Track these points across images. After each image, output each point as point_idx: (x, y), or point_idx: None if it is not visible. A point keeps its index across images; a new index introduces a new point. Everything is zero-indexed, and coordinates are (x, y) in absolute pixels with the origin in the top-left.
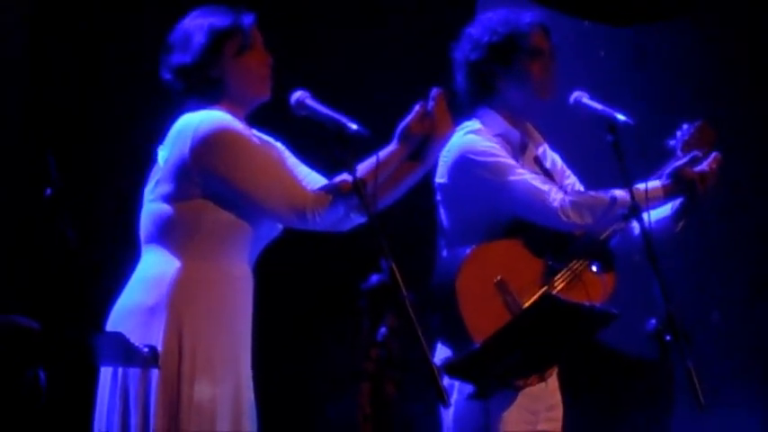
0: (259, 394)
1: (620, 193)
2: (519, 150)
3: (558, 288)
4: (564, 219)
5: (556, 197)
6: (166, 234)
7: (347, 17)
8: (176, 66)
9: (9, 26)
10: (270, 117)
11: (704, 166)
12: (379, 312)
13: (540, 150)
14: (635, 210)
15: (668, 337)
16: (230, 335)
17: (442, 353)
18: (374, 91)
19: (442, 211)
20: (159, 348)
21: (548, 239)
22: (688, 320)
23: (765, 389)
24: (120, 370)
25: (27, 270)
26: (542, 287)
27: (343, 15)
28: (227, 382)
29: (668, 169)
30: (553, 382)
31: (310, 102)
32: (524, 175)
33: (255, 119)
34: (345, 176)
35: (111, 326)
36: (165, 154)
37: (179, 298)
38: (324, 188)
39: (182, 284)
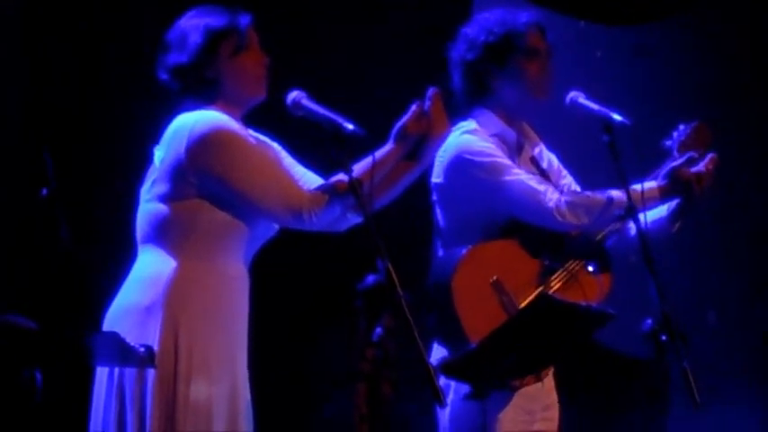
0: (255, 394)
1: (616, 193)
2: (515, 150)
3: (555, 288)
4: (559, 219)
5: (551, 197)
6: (162, 234)
7: (344, 16)
8: (172, 65)
9: (9, 26)
10: (266, 117)
11: (700, 166)
12: (375, 312)
13: (537, 150)
14: (631, 210)
15: (664, 338)
16: (226, 335)
17: (438, 353)
18: (370, 89)
19: (438, 211)
20: (155, 348)
21: (544, 240)
22: (684, 321)
23: (764, 388)
24: (117, 370)
25: (25, 270)
26: (538, 287)
27: (339, 14)
28: (224, 381)
29: (664, 170)
30: (549, 381)
31: (306, 102)
32: (520, 176)
33: (252, 119)
34: (341, 176)
35: (107, 325)
36: (161, 154)
37: (175, 298)
38: (320, 188)
39: (178, 284)
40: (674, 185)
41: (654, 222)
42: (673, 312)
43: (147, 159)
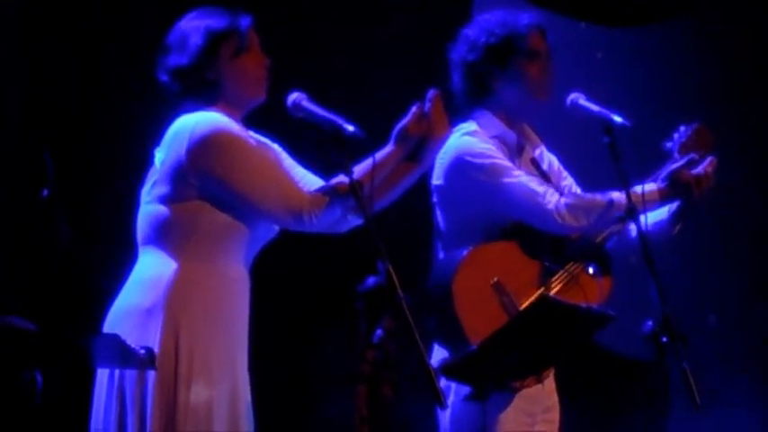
0: (256, 396)
1: (617, 195)
2: (515, 152)
3: (555, 290)
4: (559, 221)
5: (551, 199)
6: (163, 236)
7: (344, 17)
8: (173, 67)
9: (9, 26)
10: (266, 119)
11: (700, 169)
12: (375, 314)
13: (538, 152)
14: (631, 212)
15: (664, 339)
16: (227, 336)
17: (438, 354)
18: (371, 91)
19: (438, 212)
20: (156, 350)
21: (544, 241)
22: (684, 322)
23: (764, 388)
24: (117, 371)
25: (25, 271)
26: (539, 289)
27: (339, 15)
28: (224, 383)
29: (664, 172)
30: (550, 383)
31: (307, 103)
32: (520, 177)
33: (252, 120)
34: (342, 178)
35: (107, 327)
36: (162, 156)
37: (176, 300)
38: (320, 190)
39: (178, 286)
40: (674, 188)
41: (654, 225)
42: (673, 314)
43: (148, 161)
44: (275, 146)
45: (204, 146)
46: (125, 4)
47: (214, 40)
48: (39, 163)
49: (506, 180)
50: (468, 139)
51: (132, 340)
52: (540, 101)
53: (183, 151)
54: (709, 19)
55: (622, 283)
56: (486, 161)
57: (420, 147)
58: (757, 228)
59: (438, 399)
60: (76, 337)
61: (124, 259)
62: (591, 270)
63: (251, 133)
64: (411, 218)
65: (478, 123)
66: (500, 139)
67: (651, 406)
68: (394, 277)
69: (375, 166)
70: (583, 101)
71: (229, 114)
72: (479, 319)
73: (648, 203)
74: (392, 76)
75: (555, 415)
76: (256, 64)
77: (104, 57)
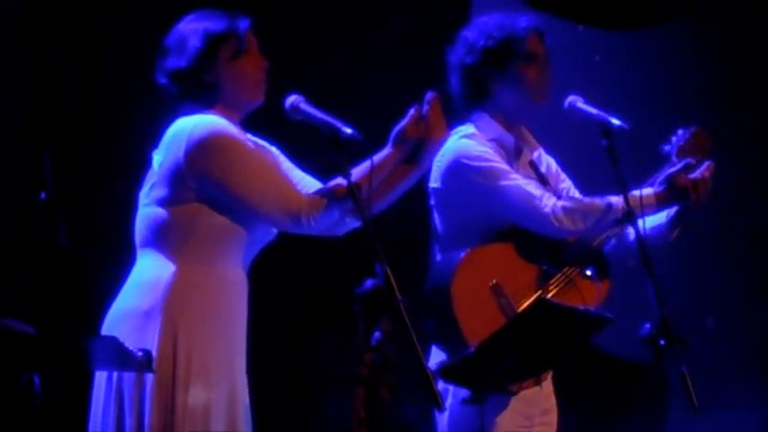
0: (254, 398)
1: (614, 199)
2: (513, 155)
3: (553, 292)
4: (556, 224)
5: (548, 203)
6: (161, 238)
7: (342, 19)
8: (171, 70)
9: (9, 26)
10: (264, 121)
11: (697, 174)
12: (373, 317)
13: (536, 155)
14: (629, 215)
15: (662, 342)
16: (225, 339)
17: (436, 357)
18: (369, 93)
19: (435, 215)
20: (154, 352)
21: (542, 243)
22: (683, 324)
23: (763, 389)
24: (115, 374)
25: (24, 273)
26: (537, 291)
27: (337, 17)
28: (222, 386)
29: (662, 176)
30: (548, 386)
31: (305, 106)
32: (517, 180)
33: (250, 123)
34: (340, 181)
35: (106, 330)
36: (160, 158)
37: (174, 302)
38: (318, 192)
39: (176, 289)
40: (671, 192)
41: (653, 229)
42: (671, 316)
43: (146, 163)
44: (273, 148)
45: (202, 148)
46: (125, 4)
47: (212, 43)
48: (38, 164)
49: (503, 183)
50: (466, 141)
51: (130, 343)
52: (538, 104)
53: (181, 154)
54: (707, 22)
55: (620, 285)
56: (484, 164)
57: (418, 149)
58: (757, 228)
59: (436, 401)
60: (75, 340)
61: (123, 261)
62: (589, 273)
63: (249, 136)
64: (409, 220)
65: (476, 126)
66: (498, 142)
67: (649, 408)
68: (392, 280)
69: (373, 169)
70: (581, 104)
71: (227, 117)
72: (477, 321)
73: (645, 207)
74: (390, 78)
75: (553, 417)
76: (255, 66)
77: (104, 57)
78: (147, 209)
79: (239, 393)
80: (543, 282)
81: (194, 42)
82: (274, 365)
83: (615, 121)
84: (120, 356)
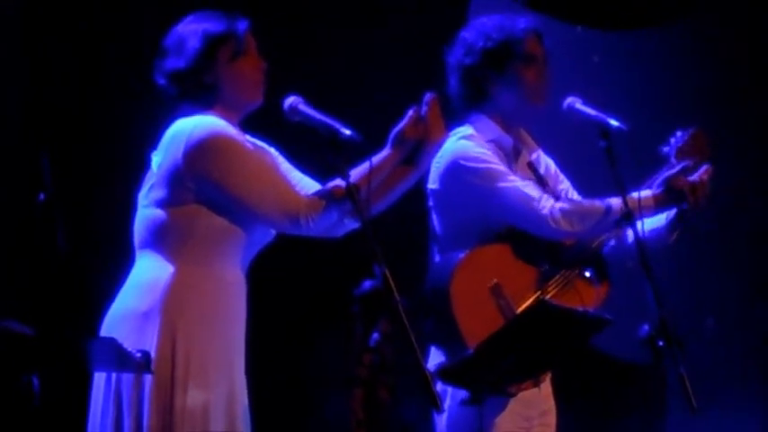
0: (252, 399)
1: (613, 201)
2: (512, 156)
3: (552, 294)
4: (554, 226)
5: (545, 204)
6: (160, 239)
7: (341, 20)
8: (170, 71)
9: (9, 26)
10: (263, 122)
11: (695, 177)
12: (372, 318)
13: (534, 156)
14: (628, 217)
15: (661, 343)
16: (224, 340)
17: (435, 358)
18: (368, 94)
19: (434, 216)
20: (153, 354)
21: (541, 245)
22: (681, 326)
23: (763, 390)
24: (114, 375)
25: (23, 274)
26: (536, 292)
27: (336, 18)
28: (221, 387)
29: (660, 178)
30: (546, 387)
31: (303, 107)
32: (515, 182)
33: (249, 124)
34: (339, 182)
35: (104, 331)
36: (159, 159)
37: (172, 303)
38: (317, 193)
39: (175, 290)
40: (670, 194)
41: (652, 232)
42: (670, 317)
43: (145, 164)
44: (272, 149)
45: (201, 149)
46: (125, 4)
47: (212, 44)
48: (38, 164)
49: (501, 185)
50: (464, 143)
51: (129, 344)
52: (537, 105)
53: (179, 155)
54: (706, 22)
55: (619, 287)
56: (482, 165)
57: (417, 150)
58: (756, 229)
59: (434, 402)
60: (74, 341)
61: (122, 262)
62: (587, 274)
63: (248, 137)
64: (407, 222)
65: (475, 127)
66: (496, 144)
67: (648, 410)
68: (390, 281)
69: (372, 170)
70: (579, 105)
71: (226, 118)
72: (476, 322)
73: (644, 209)
74: (389, 79)
75: (551, 419)
76: (253, 67)
77: (104, 57)
78: (146, 210)
79: (238, 394)
80: (542, 283)
81: (193, 43)
82: (273, 366)
83: (614, 123)
84: (119, 357)
